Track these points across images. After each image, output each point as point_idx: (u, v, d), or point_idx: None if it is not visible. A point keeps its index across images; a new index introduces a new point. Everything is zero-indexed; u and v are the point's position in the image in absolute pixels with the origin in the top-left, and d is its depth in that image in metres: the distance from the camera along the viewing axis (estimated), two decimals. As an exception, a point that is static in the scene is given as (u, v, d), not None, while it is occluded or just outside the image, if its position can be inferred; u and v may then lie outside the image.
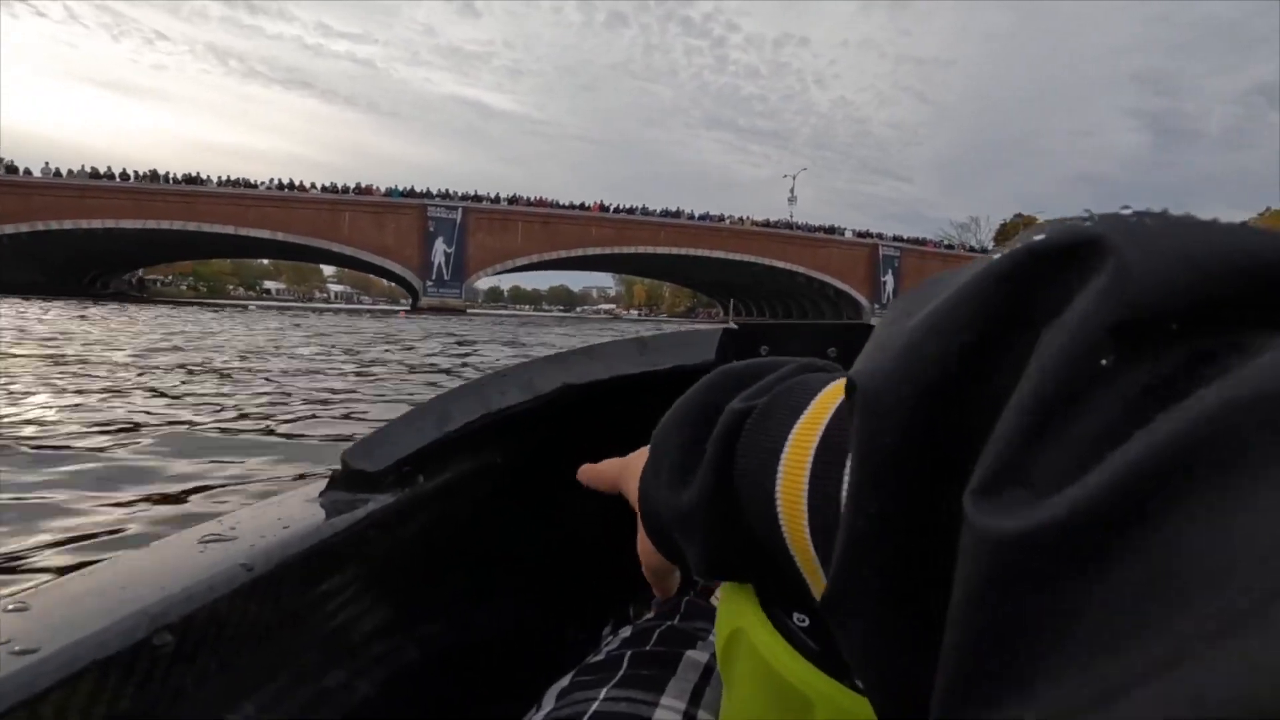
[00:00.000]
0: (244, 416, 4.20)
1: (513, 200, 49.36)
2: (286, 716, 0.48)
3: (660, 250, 51.28)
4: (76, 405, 4.24)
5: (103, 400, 4.47)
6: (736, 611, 0.28)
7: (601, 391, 0.70)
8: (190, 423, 3.87)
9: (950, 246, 61.07)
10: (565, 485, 0.59)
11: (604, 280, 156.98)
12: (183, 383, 5.49)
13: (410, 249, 46.10)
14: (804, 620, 0.27)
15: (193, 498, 2.54)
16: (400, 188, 47.16)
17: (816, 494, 0.22)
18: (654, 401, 0.73)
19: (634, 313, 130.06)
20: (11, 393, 4.58)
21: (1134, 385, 0.13)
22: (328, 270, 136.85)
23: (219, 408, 4.45)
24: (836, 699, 0.25)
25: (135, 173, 42.33)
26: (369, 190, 46.56)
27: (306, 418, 4.28)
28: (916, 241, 59.01)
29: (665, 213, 52.56)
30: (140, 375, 5.77)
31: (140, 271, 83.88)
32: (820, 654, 0.26)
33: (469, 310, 50.50)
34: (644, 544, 0.36)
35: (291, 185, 44.95)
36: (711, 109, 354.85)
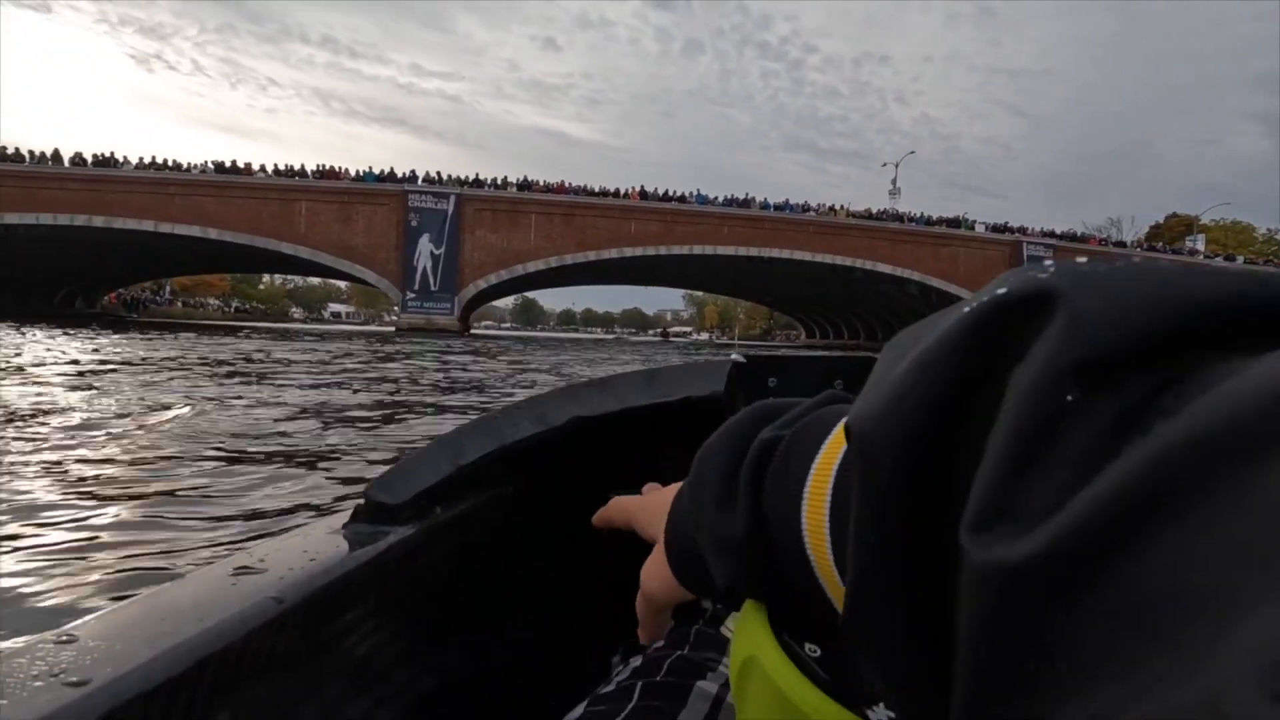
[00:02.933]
0: (271, 448, 4.21)
1: (524, 185, 37.66)
2: None
3: (722, 250, 38.34)
4: (103, 441, 4.21)
5: (131, 435, 4.46)
6: (750, 639, 0.29)
7: (612, 423, 0.72)
8: (216, 454, 3.90)
9: (1122, 243, 45.57)
10: (577, 515, 0.63)
11: (678, 301, 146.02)
12: (197, 415, 5.46)
13: (385, 250, 34.90)
14: (815, 650, 0.28)
15: (222, 529, 2.60)
16: (375, 170, 36.22)
17: (837, 527, 0.23)
18: (664, 432, 0.76)
19: (704, 335, 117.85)
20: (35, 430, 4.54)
21: (1101, 418, 0.15)
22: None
23: (240, 438, 4.46)
24: None
25: (30, 153, 32.86)
26: (334, 173, 35.79)
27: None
28: (1073, 237, 43.89)
29: (730, 201, 39.67)
30: (163, 407, 5.70)
31: (168, 286, 76.32)
32: (831, 683, 0.26)
33: (472, 332, 38.87)
34: (656, 574, 0.37)
35: (234, 167, 34.67)
36: (790, 131, 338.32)
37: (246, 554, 0.54)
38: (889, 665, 0.20)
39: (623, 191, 38.74)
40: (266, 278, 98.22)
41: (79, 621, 0.42)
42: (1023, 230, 42.41)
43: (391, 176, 35.80)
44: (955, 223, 41.85)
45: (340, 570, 0.53)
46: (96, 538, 2.44)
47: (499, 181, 37.28)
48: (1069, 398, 0.15)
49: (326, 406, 6.08)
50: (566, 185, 38.02)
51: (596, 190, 38.37)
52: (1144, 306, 0.15)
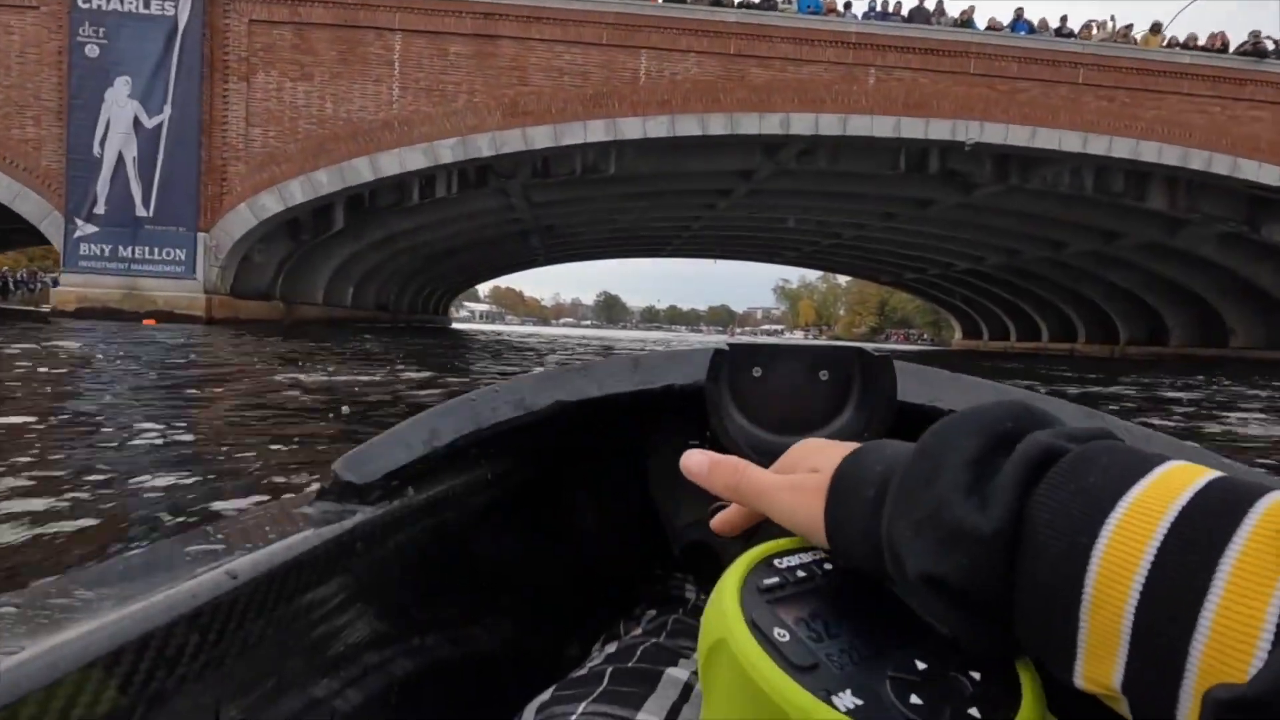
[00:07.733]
0: (233, 428, 4.30)
1: (378, -33, 16.43)
2: None
3: (859, 128, 15.87)
4: (63, 415, 4.34)
5: (87, 413, 4.55)
6: (720, 622, 0.29)
7: (594, 409, 0.73)
8: (178, 433, 3.95)
9: None
10: (558, 502, 0.65)
11: (767, 296, 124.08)
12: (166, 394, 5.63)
13: (30, 122, 14.52)
14: (784, 635, 0.28)
15: (183, 509, 2.61)
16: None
17: (1161, 577, 0.21)
18: (647, 420, 0.77)
19: (798, 333, 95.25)
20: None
21: None
22: (483, 288, 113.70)
23: (203, 420, 4.58)
24: (812, 714, 0.25)
25: None
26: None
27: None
28: None
29: (879, 11, 17.24)
30: (126, 388, 5.90)
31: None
32: (800, 669, 0.26)
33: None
34: (806, 510, 0.34)
35: None
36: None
37: (206, 528, 0.54)
38: None
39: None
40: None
41: (18, 591, 0.41)
42: None
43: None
44: None
45: (302, 547, 0.52)
46: (48, 508, 2.37)
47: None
48: None
49: None
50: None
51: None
52: None
